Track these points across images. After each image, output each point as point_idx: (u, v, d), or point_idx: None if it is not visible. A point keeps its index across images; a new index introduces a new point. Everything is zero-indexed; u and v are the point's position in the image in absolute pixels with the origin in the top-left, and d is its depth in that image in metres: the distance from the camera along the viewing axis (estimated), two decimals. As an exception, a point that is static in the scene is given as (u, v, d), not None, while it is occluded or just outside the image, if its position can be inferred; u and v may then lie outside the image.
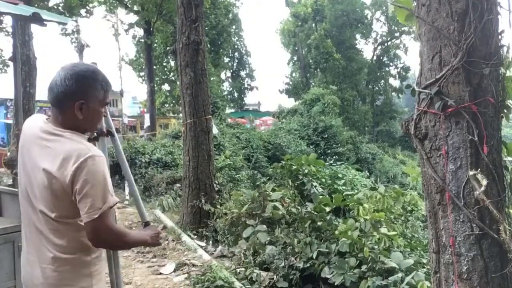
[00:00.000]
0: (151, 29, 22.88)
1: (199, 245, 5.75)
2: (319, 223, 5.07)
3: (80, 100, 1.63)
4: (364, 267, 3.92)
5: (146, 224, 2.19)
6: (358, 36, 41.32)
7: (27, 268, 1.75)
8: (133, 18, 24.40)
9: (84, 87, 1.64)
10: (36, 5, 11.47)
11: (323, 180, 7.38)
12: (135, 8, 22.55)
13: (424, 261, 4.32)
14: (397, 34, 40.73)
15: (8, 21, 13.10)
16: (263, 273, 4.46)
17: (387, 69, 42.58)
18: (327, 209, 5.62)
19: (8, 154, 11.84)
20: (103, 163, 1.61)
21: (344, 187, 7.98)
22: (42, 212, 1.64)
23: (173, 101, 28.82)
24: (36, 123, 1.72)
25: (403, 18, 2.14)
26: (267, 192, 5.75)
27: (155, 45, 25.59)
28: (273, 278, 4.32)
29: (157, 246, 2.11)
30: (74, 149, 1.57)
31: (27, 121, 1.79)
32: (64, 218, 1.63)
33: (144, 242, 1.93)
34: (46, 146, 1.63)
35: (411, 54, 57.04)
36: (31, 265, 1.72)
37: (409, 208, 6.50)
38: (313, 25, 40.05)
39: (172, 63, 27.33)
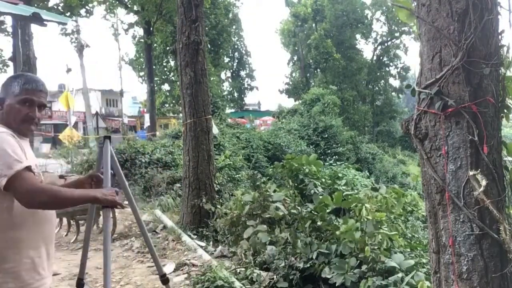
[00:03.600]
0: (151, 29, 22.90)
1: (199, 245, 5.75)
2: (319, 223, 5.07)
3: (2, 97, 1.87)
4: (364, 267, 3.92)
5: (163, 277, 2.56)
6: (358, 36, 41.34)
7: None
8: (133, 18, 24.43)
9: (3, 87, 1.89)
10: (36, 5, 11.48)
11: (323, 180, 7.38)
12: (135, 8, 22.57)
13: (424, 261, 4.32)
14: (397, 34, 40.76)
15: (8, 21, 13.11)
16: (263, 273, 4.45)
17: (387, 69, 42.61)
18: (327, 209, 5.62)
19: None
20: (3, 136, 1.72)
21: (344, 187, 7.97)
22: None
23: (173, 101, 28.84)
24: None
25: (405, 17, 2.14)
26: (268, 193, 5.75)
27: (155, 45, 25.60)
28: (273, 278, 4.32)
29: (114, 206, 1.95)
30: None
31: None
32: None
33: (92, 198, 1.88)
34: None
35: (411, 54, 57.07)
36: None
37: (409, 209, 6.50)
38: (313, 25, 40.07)
39: (172, 63, 27.35)
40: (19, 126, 1.84)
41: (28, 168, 1.69)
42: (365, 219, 4.25)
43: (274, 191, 5.90)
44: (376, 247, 4.05)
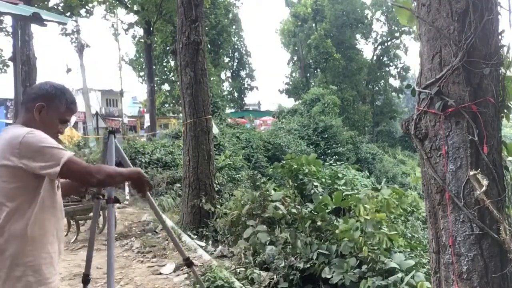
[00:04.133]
0: (151, 29, 22.87)
1: (199, 245, 5.75)
2: (319, 223, 5.07)
3: (42, 102, 1.87)
4: (364, 267, 3.92)
5: (187, 260, 2.77)
6: (358, 36, 41.34)
7: None
8: (133, 18, 24.40)
9: (50, 95, 1.90)
10: (36, 5, 11.46)
11: (323, 180, 7.38)
12: (135, 8, 22.54)
13: (424, 261, 4.32)
14: (397, 34, 40.74)
15: (8, 21, 13.10)
16: (263, 273, 4.45)
17: (387, 69, 42.59)
18: (327, 209, 5.62)
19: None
20: (42, 133, 1.79)
21: (344, 187, 7.98)
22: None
23: (173, 101, 28.83)
24: None
25: (405, 19, 2.14)
26: (268, 192, 5.74)
27: (155, 45, 25.58)
28: (273, 278, 4.32)
29: (148, 186, 2.11)
30: (17, 132, 1.77)
31: None
32: (12, 205, 1.73)
33: (137, 173, 2.02)
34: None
35: (411, 54, 57.07)
36: None
37: (409, 209, 6.50)
38: (313, 25, 40.06)
39: (172, 63, 27.33)
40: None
41: (74, 155, 1.80)
42: (364, 219, 4.24)
43: (274, 190, 5.90)
44: (376, 247, 4.05)
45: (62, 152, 1.76)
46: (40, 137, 1.75)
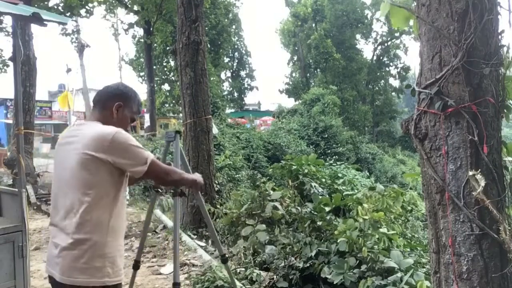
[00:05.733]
0: (151, 29, 22.87)
1: (199, 245, 5.75)
2: (319, 223, 5.07)
3: (120, 102, 2.03)
4: (363, 267, 3.92)
5: (223, 256, 3.09)
6: (358, 36, 41.30)
7: (52, 250, 1.91)
8: (133, 18, 24.39)
9: (126, 95, 2.08)
10: (36, 5, 11.45)
11: (323, 180, 7.37)
12: (135, 8, 22.52)
13: (424, 261, 4.32)
14: (397, 34, 40.68)
15: (8, 21, 13.10)
16: (263, 273, 4.45)
17: (387, 69, 42.55)
18: (327, 209, 5.62)
19: (8, 154, 11.82)
20: (129, 134, 1.94)
21: (344, 187, 7.97)
22: (74, 196, 1.84)
23: (173, 101, 28.83)
24: (66, 131, 2.07)
25: (398, 22, 2.14)
26: (267, 192, 5.74)
27: (155, 45, 25.58)
28: (273, 278, 4.32)
29: (199, 190, 2.61)
30: (104, 129, 1.89)
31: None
32: (94, 195, 1.83)
33: (194, 181, 2.29)
34: (75, 135, 1.93)
35: (411, 54, 57.06)
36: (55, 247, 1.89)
37: (409, 208, 6.48)
38: (313, 25, 40.03)
39: (172, 63, 27.32)
40: None
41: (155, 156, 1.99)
42: (362, 219, 4.24)
43: (272, 189, 5.90)
44: (374, 247, 4.04)
45: (147, 152, 1.93)
46: (128, 137, 1.90)
